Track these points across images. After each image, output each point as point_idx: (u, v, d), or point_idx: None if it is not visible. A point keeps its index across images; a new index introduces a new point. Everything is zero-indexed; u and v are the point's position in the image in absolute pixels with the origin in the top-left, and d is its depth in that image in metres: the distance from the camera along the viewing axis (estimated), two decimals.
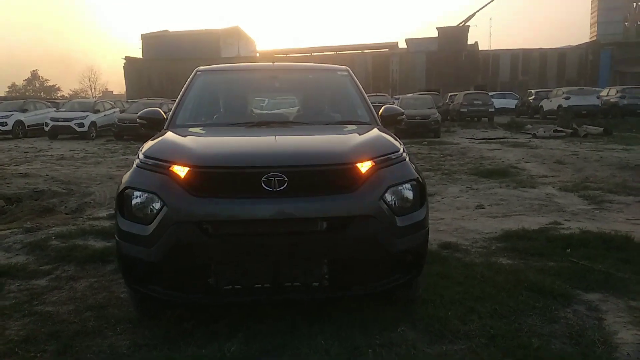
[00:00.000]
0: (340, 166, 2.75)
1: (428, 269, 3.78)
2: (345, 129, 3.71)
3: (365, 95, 4.14)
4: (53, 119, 21.02)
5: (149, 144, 3.17)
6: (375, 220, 2.67)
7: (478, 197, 7.24)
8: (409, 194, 2.84)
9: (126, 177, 2.89)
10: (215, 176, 2.69)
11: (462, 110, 26.62)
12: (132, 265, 2.76)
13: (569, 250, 4.35)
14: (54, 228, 5.46)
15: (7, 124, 21.35)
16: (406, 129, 19.07)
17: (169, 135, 3.37)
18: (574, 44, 52.33)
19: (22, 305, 3.37)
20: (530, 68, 47.85)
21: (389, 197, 2.75)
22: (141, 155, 2.94)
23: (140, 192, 2.72)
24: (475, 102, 26.61)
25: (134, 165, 2.92)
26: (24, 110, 22.77)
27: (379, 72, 49.14)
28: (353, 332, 2.83)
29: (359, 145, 3.07)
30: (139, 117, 3.87)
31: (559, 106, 25.44)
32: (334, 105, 4.36)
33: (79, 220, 6.04)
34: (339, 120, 4.00)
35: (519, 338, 2.77)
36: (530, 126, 20.61)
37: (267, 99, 6.94)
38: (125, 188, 2.79)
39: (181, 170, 2.68)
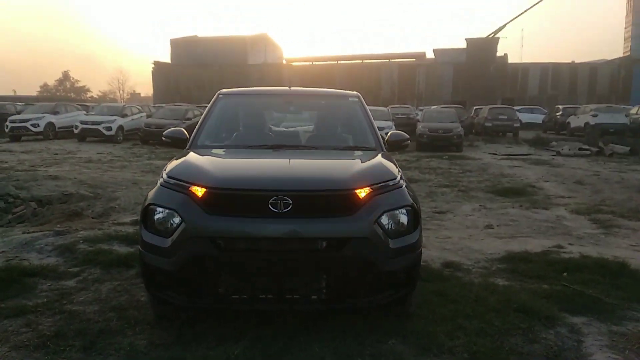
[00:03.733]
0: (340, 192, 3.04)
1: (426, 287, 4.02)
2: (350, 155, 3.99)
3: (373, 121, 4.42)
4: (82, 122, 21.83)
5: (172, 164, 3.51)
6: (369, 242, 2.93)
7: (489, 217, 7.38)
8: (404, 219, 3.11)
9: (151, 193, 3.23)
10: (228, 197, 3.00)
11: (486, 124, 26.42)
12: (152, 272, 3.10)
13: (565, 274, 4.49)
14: (81, 232, 5.82)
15: (39, 126, 22.20)
16: (428, 142, 19.25)
17: (190, 156, 3.71)
18: (607, 59, 51.45)
19: (53, 304, 3.72)
20: (560, 82, 47.29)
21: (384, 220, 3.02)
22: (164, 175, 3.28)
23: (162, 209, 3.06)
24: (500, 116, 26.43)
25: (158, 184, 3.26)
26: (56, 113, 23.59)
27: (405, 82, 49.13)
28: (347, 342, 3.09)
29: (359, 172, 3.34)
30: (165, 136, 4.24)
31: (586, 123, 25.16)
32: (343, 129, 4.65)
33: (104, 225, 6.41)
34: (346, 145, 4.29)
35: (498, 355, 2.98)
36: (556, 143, 20.42)
37: (287, 114, 7.32)
38: (150, 204, 3.12)
39: (198, 191, 3.00)
